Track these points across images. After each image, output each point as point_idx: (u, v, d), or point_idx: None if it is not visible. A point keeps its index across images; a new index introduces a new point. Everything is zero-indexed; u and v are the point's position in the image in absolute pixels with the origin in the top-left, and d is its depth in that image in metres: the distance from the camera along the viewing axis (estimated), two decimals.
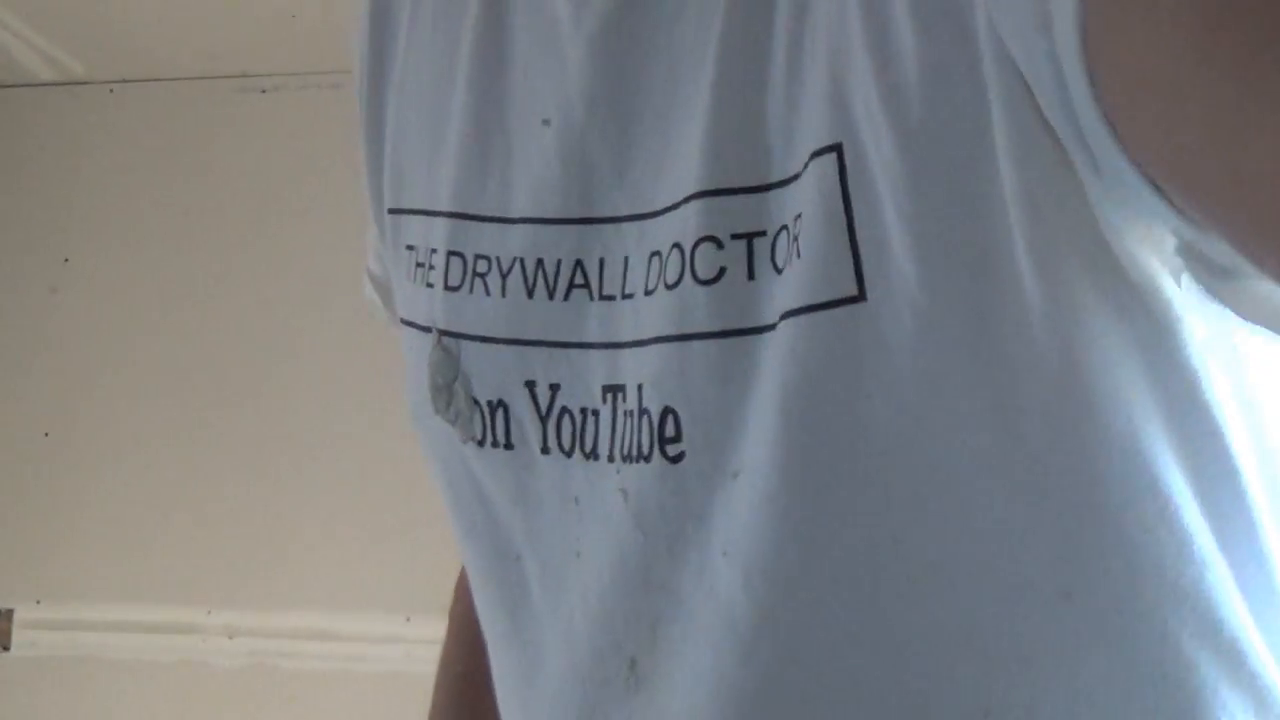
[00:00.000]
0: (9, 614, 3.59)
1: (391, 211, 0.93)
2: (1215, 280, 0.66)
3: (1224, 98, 0.53)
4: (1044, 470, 0.69)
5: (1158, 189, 0.60)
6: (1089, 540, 0.69)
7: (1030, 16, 0.60)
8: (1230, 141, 0.52)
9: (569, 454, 0.81)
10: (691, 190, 0.75)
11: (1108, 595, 0.70)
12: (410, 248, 0.90)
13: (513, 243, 0.83)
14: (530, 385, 0.82)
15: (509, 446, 0.84)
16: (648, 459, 0.76)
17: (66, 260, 3.73)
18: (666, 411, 0.75)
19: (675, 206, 0.76)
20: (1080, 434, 0.68)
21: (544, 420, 0.82)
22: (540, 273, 0.82)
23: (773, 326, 0.72)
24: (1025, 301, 0.66)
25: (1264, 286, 0.64)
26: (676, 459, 0.75)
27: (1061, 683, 0.70)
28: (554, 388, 0.82)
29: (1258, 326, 0.67)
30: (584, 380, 0.80)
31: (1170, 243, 0.65)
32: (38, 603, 3.58)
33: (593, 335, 0.80)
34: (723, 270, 0.73)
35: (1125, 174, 0.60)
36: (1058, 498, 0.69)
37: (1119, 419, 0.67)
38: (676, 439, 0.75)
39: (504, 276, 0.83)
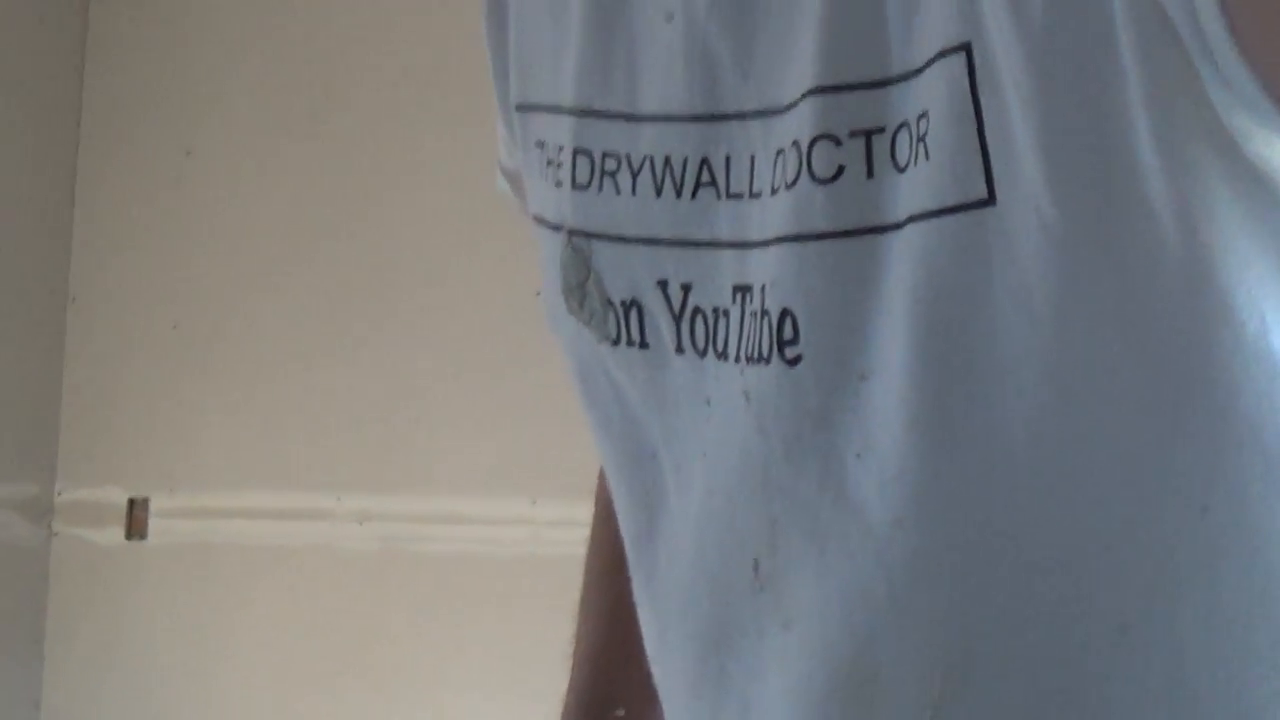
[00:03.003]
0: (145, 503, 3.67)
1: (519, 108, 0.93)
2: None
3: None
4: (1177, 377, 0.68)
5: None
6: (1225, 449, 0.68)
7: None
8: None
9: (702, 354, 0.81)
10: (808, 86, 0.74)
11: (1244, 505, 0.69)
12: (540, 144, 0.90)
13: (642, 141, 0.82)
14: (663, 285, 0.82)
15: (644, 346, 0.84)
16: (767, 361, 0.76)
17: (189, 153, 3.76)
18: (785, 313, 0.75)
19: (795, 104, 0.75)
20: (1213, 338, 0.67)
21: (678, 320, 0.82)
22: (669, 171, 0.81)
23: (897, 226, 0.71)
24: (1154, 203, 0.65)
25: None
26: (794, 361, 0.75)
27: (1199, 594, 0.69)
28: (686, 287, 0.81)
29: None
30: (715, 280, 0.80)
31: None
32: (172, 492, 3.66)
33: (723, 234, 0.79)
34: (841, 169, 0.73)
35: (1249, 88, 0.60)
36: (1192, 406, 0.68)
37: (1252, 319, 0.67)
38: (794, 341, 0.75)
39: (634, 175, 0.82)
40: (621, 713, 1.06)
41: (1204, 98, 0.62)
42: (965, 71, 0.68)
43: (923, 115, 0.70)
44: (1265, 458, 0.68)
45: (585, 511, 1.15)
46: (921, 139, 0.70)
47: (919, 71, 0.71)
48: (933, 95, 0.69)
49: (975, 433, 0.71)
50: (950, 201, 0.69)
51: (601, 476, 1.11)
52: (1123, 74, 0.64)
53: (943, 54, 0.69)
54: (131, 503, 3.68)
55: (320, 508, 3.55)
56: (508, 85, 0.94)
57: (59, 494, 3.72)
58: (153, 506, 3.67)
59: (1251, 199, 0.66)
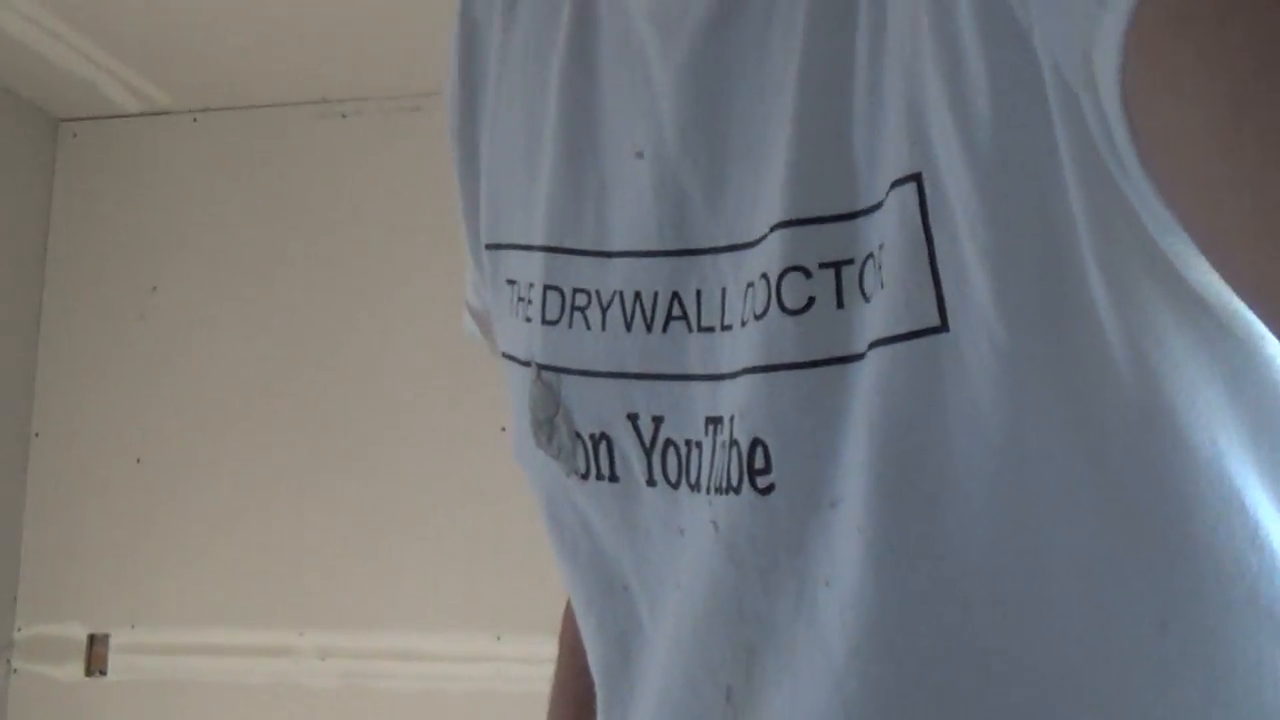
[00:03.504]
0: (105, 639, 3.64)
1: (489, 247, 0.93)
2: None
3: (1249, 181, 0.53)
4: (1132, 499, 0.68)
5: None
6: (1182, 569, 0.68)
7: (1077, 73, 0.60)
8: (1257, 226, 0.53)
9: (675, 486, 0.81)
10: (776, 220, 0.74)
11: (1203, 624, 0.69)
12: (511, 282, 0.90)
13: (612, 277, 0.83)
14: (633, 418, 0.82)
15: (614, 479, 0.84)
16: (737, 491, 0.76)
17: (154, 289, 3.77)
18: (755, 443, 0.75)
19: (765, 237, 0.75)
20: (1166, 460, 0.67)
21: (649, 452, 0.82)
22: (639, 305, 0.81)
23: (862, 356, 0.71)
24: (1102, 328, 0.65)
25: None
26: (766, 490, 0.75)
27: (1157, 715, 0.69)
28: (657, 420, 0.81)
29: None
30: (688, 412, 0.80)
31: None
32: (133, 627, 3.63)
33: (694, 367, 0.80)
34: (812, 300, 0.73)
35: (1171, 224, 0.61)
36: (1148, 527, 0.68)
37: (1204, 443, 0.67)
38: (766, 470, 0.75)
39: (604, 310, 0.83)
40: None
41: (1137, 221, 0.63)
42: (916, 201, 0.69)
43: (882, 245, 0.71)
44: (1220, 580, 0.68)
45: (550, 648, 1.13)
46: (880, 268, 0.71)
47: (881, 204, 0.71)
48: (888, 225, 0.70)
49: (930, 557, 0.70)
50: (904, 329, 0.69)
51: (566, 613, 1.10)
52: (1066, 197, 0.64)
53: (896, 184, 0.70)
54: (92, 639, 3.65)
55: (282, 644, 3.52)
56: (478, 225, 0.95)
57: (18, 630, 3.68)
58: (113, 642, 3.63)
59: (1197, 326, 0.66)
